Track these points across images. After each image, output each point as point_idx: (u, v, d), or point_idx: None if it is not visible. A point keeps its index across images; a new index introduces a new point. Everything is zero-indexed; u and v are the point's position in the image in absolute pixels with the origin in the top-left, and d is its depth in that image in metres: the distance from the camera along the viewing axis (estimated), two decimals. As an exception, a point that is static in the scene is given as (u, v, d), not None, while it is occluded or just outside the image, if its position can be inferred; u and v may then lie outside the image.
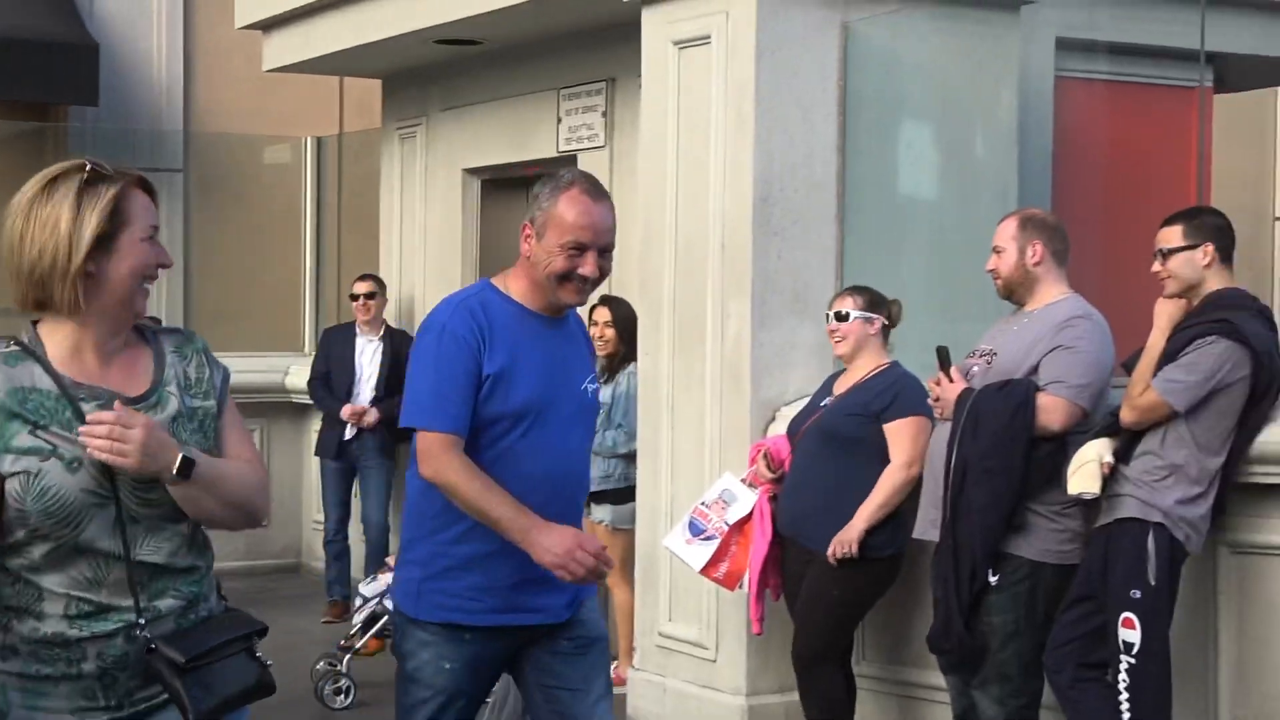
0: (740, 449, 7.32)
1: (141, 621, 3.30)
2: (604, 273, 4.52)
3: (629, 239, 8.94)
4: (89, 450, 3.18)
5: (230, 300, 14.17)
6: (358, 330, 10.61)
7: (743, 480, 6.99)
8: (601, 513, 8.57)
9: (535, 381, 4.52)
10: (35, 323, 3.39)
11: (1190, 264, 5.81)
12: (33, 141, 14.68)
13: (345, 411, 10.31)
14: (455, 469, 4.37)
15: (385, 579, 8.54)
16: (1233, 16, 9.36)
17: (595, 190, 4.52)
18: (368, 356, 10.53)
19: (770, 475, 6.88)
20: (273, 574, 12.10)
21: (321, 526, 11.13)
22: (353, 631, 8.54)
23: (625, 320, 8.60)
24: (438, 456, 4.40)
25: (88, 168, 3.32)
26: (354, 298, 10.61)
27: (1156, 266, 5.84)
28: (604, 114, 9.65)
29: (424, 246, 11.34)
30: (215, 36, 14.33)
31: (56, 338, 3.35)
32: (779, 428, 7.14)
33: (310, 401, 11.25)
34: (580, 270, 4.44)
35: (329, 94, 13.99)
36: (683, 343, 7.71)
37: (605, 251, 4.51)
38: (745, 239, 7.40)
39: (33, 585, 3.30)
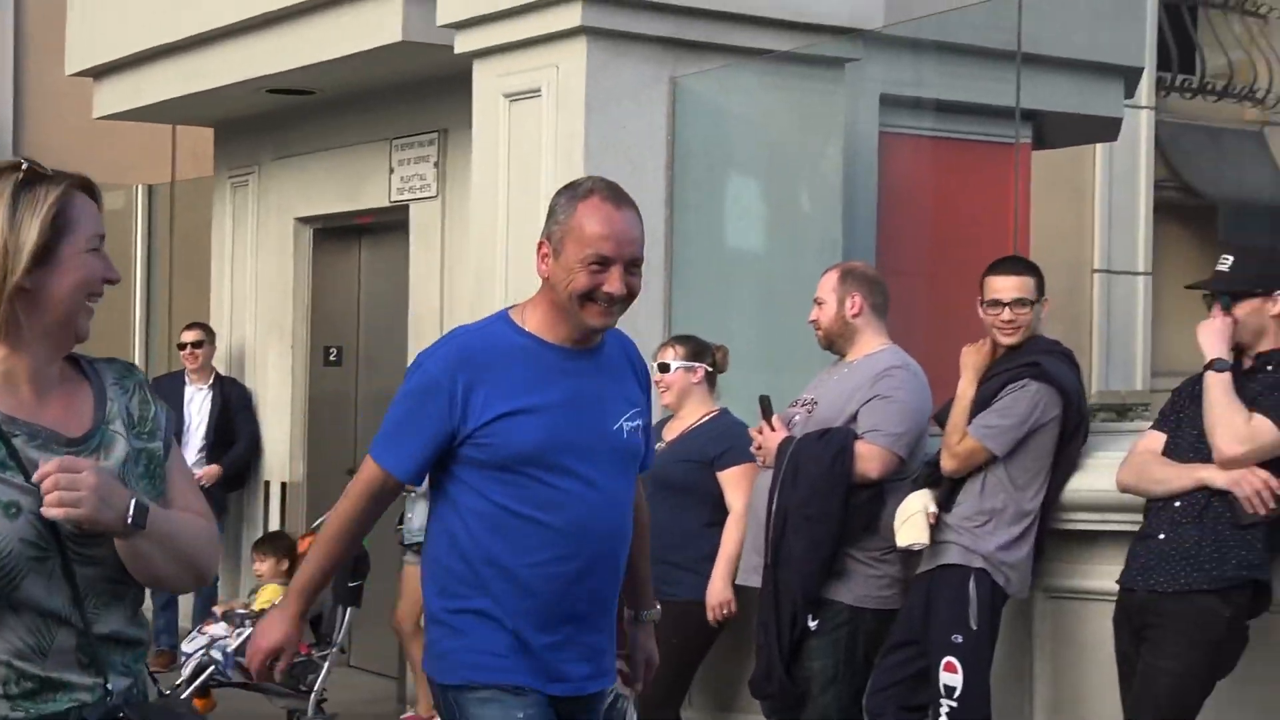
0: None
1: (110, 687, 2.80)
2: (633, 290, 3.89)
3: (461, 287, 8.99)
4: (43, 509, 2.67)
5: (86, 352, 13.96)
6: (187, 379, 10.51)
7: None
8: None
9: (546, 422, 3.88)
10: None
11: (1038, 315, 5.95)
12: None
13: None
14: (350, 507, 4.03)
15: (211, 630, 8.44)
16: (1051, 75, 9.58)
17: (618, 197, 3.91)
18: (196, 405, 10.43)
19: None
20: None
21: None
22: (178, 683, 8.40)
23: None
24: (355, 485, 4.01)
25: (23, 166, 2.83)
26: (182, 346, 10.51)
27: (1008, 315, 5.90)
28: (436, 164, 9.64)
29: (255, 295, 11.24)
30: (46, 83, 14.14)
31: None
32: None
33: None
34: (605, 288, 3.82)
35: (162, 141, 13.87)
36: (513, 392, 7.70)
37: (633, 265, 3.89)
38: (575, 289, 7.43)
39: None
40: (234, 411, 10.50)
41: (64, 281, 2.81)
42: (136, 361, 13.02)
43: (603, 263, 3.81)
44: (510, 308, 4.10)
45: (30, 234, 2.77)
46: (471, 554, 3.93)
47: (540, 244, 3.95)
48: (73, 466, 2.68)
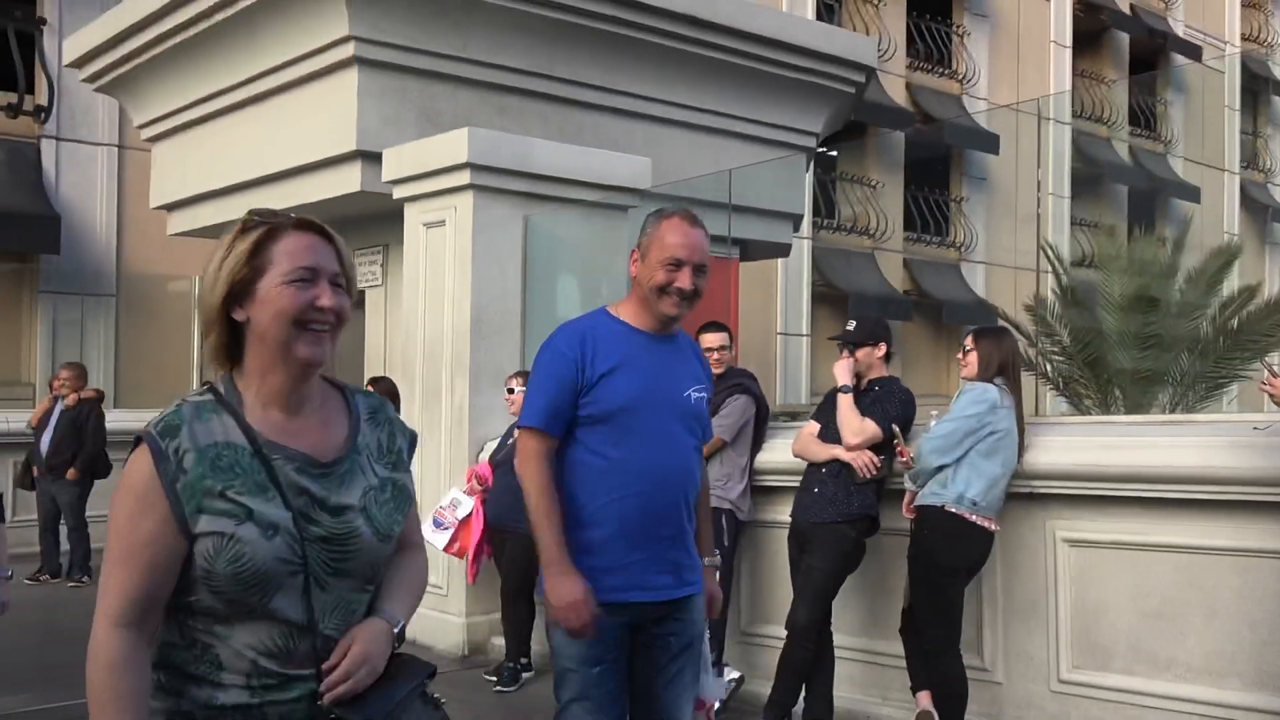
0: (461, 471, 7.19)
1: (323, 691, 1.98)
2: (699, 289, 3.23)
3: (395, 340, 8.80)
4: (327, 696, 1.95)
5: (150, 372, 13.43)
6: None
7: (464, 491, 6.87)
8: None
9: (637, 383, 3.19)
10: (230, 372, 2.05)
11: (731, 354, 6.02)
12: (14, 277, 13.74)
13: None
14: (534, 476, 3.16)
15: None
16: (750, 218, 9.70)
17: (693, 219, 3.27)
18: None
19: (480, 488, 6.77)
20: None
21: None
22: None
23: (389, 390, 8.42)
24: (526, 459, 3.19)
25: (246, 216, 2.08)
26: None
27: (717, 356, 5.93)
28: (381, 265, 9.46)
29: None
30: (137, 211, 13.66)
31: (247, 389, 2.03)
32: (484, 457, 7.04)
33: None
34: (676, 283, 3.19)
35: (212, 250, 13.46)
36: (427, 403, 7.55)
37: (700, 270, 3.23)
38: (465, 341, 7.31)
39: (213, 650, 1.95)
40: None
41: (264, 312, 1.99)
42: (197, 387, 12.59)
43: (676, 264, 3.19)
44: (607, 305, 3.38)
45: (226, 271, 2.01)
46: (580, 497, 3.20)
47: (632, 252, 3.32)
48: (353, 663, 1.97)
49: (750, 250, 10.43)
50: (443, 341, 7.44)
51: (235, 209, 9.79)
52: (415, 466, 7.39)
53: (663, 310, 3.24)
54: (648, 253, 3.25)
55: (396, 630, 2.08)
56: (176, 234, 11.17)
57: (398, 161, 7.76)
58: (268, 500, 1.94)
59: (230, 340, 2.04)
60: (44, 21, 13.71)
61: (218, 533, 1.90)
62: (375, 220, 9.26)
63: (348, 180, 8.54)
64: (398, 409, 8.20)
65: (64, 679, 6.58)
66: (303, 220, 2.07)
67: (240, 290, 2.01)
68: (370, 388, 8.51)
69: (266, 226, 2.04)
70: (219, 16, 9.00)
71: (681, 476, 3.28)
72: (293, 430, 2.03)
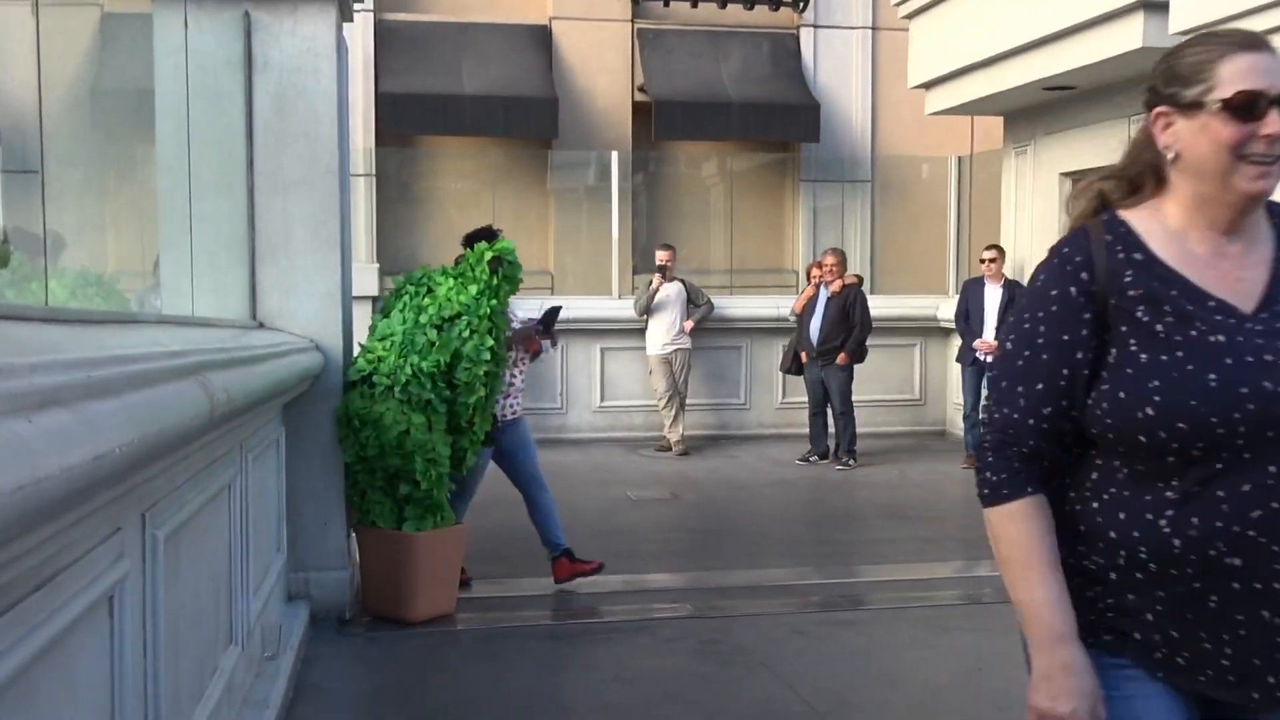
0: None
1: None
2: None
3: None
4: None
5: (903, 258, 13.58)
6: (986, 282, 9.78)
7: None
8: None
9: None
10: None
11: None
12: (776, 167, 14.56)
13: (977, 344, 9.53)
14: None
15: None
16: None
17: None
18: (990, 299, 9.68)
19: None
20: (926, 436, 11.53)
21: (960, 407, 10.43)
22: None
23: None
24: None
25: None
26: (983, 260, 9.81)
27: None
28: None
29: (1030, 226, 10.40)
30: (891, 93, 13.73)
31: None
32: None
33: (953, 328, 10.51)
34: None
35: (963, 128, 13.12)
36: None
37: None
38: None
39: None
40: (1016, 303, 9.68)
41: None
42: (950, 267, 12.45)
43: None
44: None
45: None
46: None
47: None
48: None
49: None
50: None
51: (1000, 80, 9.34)
52: None
53: None
54: None
55: None
56: (935, 113, 10.97)
57: (1194, 7, 6.71)
58: None
59: None
60: (800, -89, 14.14)
61: None
62: (1158, 80, 8.28)
63: (1126, 37, 7.64)
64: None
65: (839, 555, 6.83)
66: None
67: None
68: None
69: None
70: None
71: None
72: None
